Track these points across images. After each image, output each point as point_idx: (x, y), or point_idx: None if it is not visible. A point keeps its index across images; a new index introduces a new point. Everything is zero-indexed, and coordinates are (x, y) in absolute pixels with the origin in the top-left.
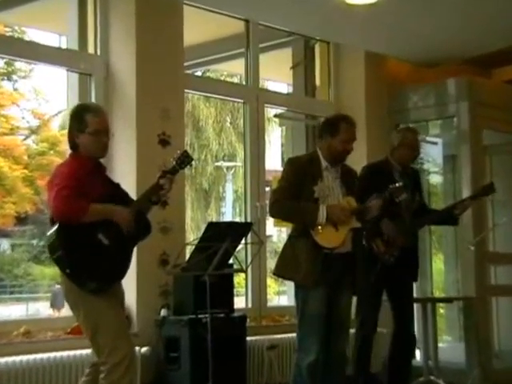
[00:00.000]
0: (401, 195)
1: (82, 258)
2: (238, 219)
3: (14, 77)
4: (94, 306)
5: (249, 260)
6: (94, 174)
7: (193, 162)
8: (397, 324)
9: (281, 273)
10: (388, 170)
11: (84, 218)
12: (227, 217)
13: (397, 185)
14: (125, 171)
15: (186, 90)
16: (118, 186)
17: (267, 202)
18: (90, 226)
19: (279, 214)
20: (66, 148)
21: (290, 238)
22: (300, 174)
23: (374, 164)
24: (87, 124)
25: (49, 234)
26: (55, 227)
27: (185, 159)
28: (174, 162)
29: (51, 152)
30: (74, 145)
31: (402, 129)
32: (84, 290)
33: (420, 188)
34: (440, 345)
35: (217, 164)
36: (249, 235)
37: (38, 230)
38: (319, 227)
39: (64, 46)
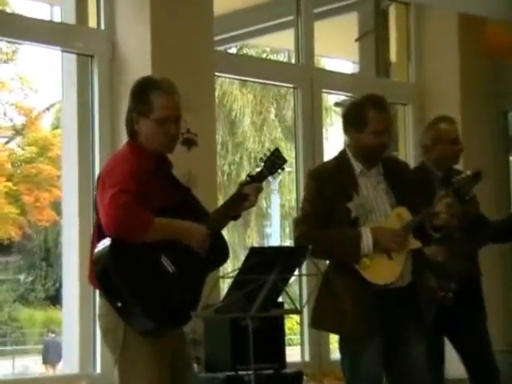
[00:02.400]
0: (471, 190)
1: (139, 288)
2: (287, 243)
3: None
4: (133, 354)
5: (305, 297)
6: (156, 174)
7: (285, 166)
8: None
9: (319, 324)
10: (426, 179)
11: (145, 236)
12: (273, 239)
13: (464, 175)
14: None
15: (216, 73)
16: (187, 191)
17: None
18: (150, 246)
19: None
20: (59, 153)
21: (326, 275)
22: (326, 190)
23: None
24: (152, 107)
25: (98, 252)
26: (106, 244)
27: (276, 161)
28: (262, 166)
29: (41, 158)
30: (132, 131)
31: (432, 121)
32: (134, 330)
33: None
34: None
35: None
36: (304, 264)
37: (26, 261)
38: (366, 259)
39: (57, 20)
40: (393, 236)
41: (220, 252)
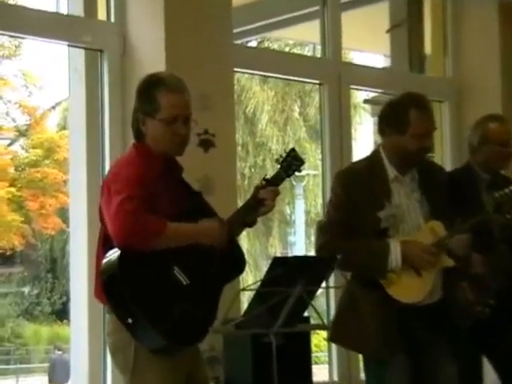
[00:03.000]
0: None
1: (150, 302)
2: (313, 252)
3: None
4: (145, 375)
5: (332, 312)
6: (164, 178)
7: (302, 167)
8: None
9: (339, 339)
10: (470, 181)
11: (158, 242)
12: (298, 248)
13: (507, 190)
14: None
15: (235, 69)
16: (198, 196)
17: None
18: (162, 257)
19: None
20: (66, 155)
21: (349, 288)
22: (355, 195)
23: (450, 174)
24: (159, 106)
25: (106, 263)
26: (115, 254)
27: (292, 162)
28: (279, 167)
29: (47, 162)
30: (138, 132)
31: (482, 119)
32: (145, 348)
33: None
34: None
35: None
36: (332, 275)
37: (30, 272)
38: (392, 274)
39: (64, 12)
40: (424, 253)
41: (236, 262)
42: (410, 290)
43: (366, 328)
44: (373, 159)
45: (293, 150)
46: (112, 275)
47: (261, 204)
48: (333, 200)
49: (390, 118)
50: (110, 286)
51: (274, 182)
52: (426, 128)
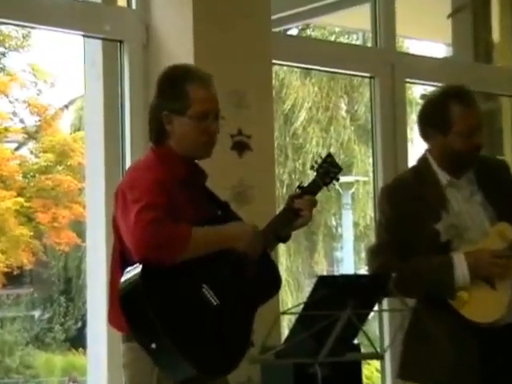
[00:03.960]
0: None
1: (177, 325)
2: (363, 270)
3: None
4: None
5: (387, 339)
6: (188, 185)
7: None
8: None
9: (409, 375)
10: None
11: (185, 252)
12: (346, 266)
13: None
14: None
15: (273, 61)
16: (226, 207)
17: None
18: (187, 272)
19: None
20: (81, 160)
21: (415, 313)
22: (406, 210)
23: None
24: (190, 102)
25: (126, 281)
26: (136, 271)
27: (329, 169)
28: (315, 174)
29: (59, 168)
30: (160, 134)
31: None
32: (172, 378)
33: None
34: None
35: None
36: (386, 296)
37: (41, 294)
38: (462, 292)
39: None
40: (494, 258)
41: (271, 280)
42: (485, 307)
43: (441, 358)
44: (420, 167)
45: (329, 155)
46: (133, 293)
47: (296, 215)
48: (381, 219)
49: (430, 118)
50: (131, 306)
51: (310, 191)
52: (470, 124)
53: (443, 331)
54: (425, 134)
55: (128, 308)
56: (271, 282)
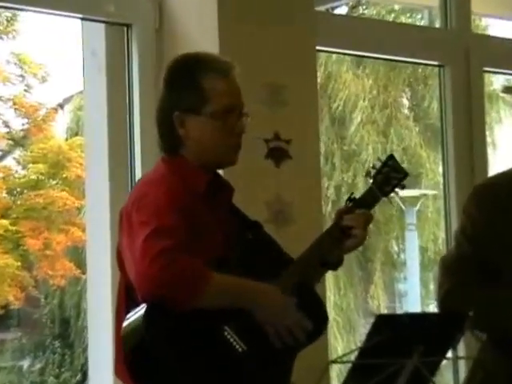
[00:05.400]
0: None
1: (194, 378)
2: (432, 307)
3: None
4: None
5: None
6: (208, 202)
7: (404, 183)
8: None
9: None
10: None
11: (198, 301)
12: (411, 302)
13: None
14: None
15: (318, 47)
16: (258, 227)
17: None
18: (203, 311)
19: None
20: (80, 173)
21: (481, 357)
22: (498, 221)
23: None
24: (207, 96)
25: (128, 325)
26: (139, 314)
27: (390, 175)
28: (371, 182)
29: (53, 182)
30: (172, 140)
31: None
32: None
33: None
34: None
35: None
36: (461, 340)
37: (31, 339)
38: None
39: None
40: None
41: (314, 318)
42: None
43: None
44: None
45: (391, 156)
46: (137, 343)
47: (346, 235)
48: (465, 226)
49: None
50: (136, 359)
51: (364, 203)
52: None
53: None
54: None
55: (132, 360)
56: (315, 322)
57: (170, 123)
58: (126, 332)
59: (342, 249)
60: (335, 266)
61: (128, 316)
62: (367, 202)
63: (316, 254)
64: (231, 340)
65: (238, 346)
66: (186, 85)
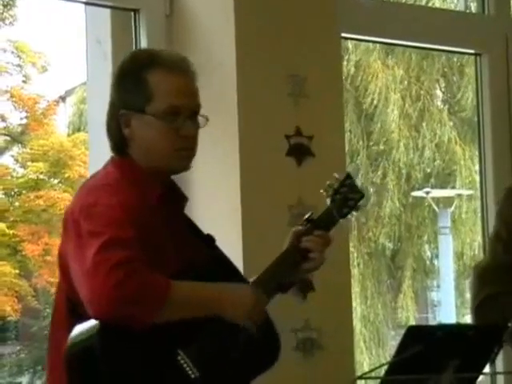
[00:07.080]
0: None
1: None
2: (468, 318)
3: None
4: None
5: None
6: (161, 212)
7: (367, 202)
8: None
9: None
10: None
11: (159, 314)
12: (445, 312)
13: None
14: (216, 219)
15: (343, 34)
16: (210, 241)
17: None
18: (157, 332)
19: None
20: (83, 172)
21: None
22: None
23: None
24: (152, 93)
25: (76, 336)
26: (91, 324)
27: (347, 195)
28: (329, 201)
29: (54, 181)
30: (119, 141)
31: None
32: None
33: None
34: None
35: (414, 194)
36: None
37: (30, 353)
38: None
39: None
40: None
41: (264, 344)
42: None
43: None
44: None
45: (348, 176)
46: (86, 353)
47: (303, 257)
48: (500, 230)
49: None
50: (81, 370)
51: (322, 225)
52: None
53: None
54: None
55: (75, 372)
56: (266, 349)
57: (117, 122)
58: (75, 342)
59: (299, 272)
60: (287, 289)
61: (74, 331)
62: (325, 223)
63: (272, 276)
64: (184, 366)
65: (191, 372)
66: (132, 81)
